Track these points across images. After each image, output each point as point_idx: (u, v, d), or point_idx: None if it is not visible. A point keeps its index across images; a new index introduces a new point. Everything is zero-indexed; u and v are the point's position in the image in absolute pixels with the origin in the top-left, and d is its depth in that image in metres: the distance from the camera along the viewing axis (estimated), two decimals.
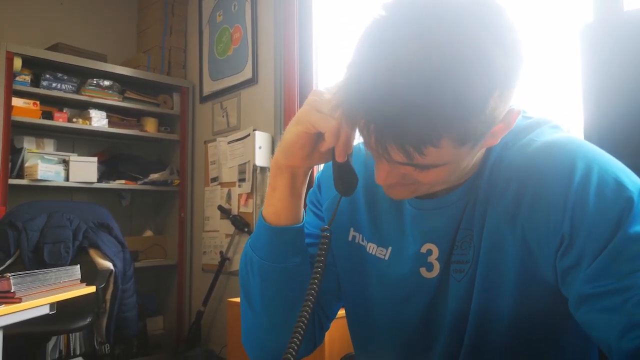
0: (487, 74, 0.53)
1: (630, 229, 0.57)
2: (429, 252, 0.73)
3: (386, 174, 0.63)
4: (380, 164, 0.63)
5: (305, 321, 0.64)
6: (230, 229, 3.12)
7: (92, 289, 2.06)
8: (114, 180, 3.37)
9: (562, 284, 0.62)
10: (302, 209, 0.77)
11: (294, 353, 0.61)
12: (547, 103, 1.91)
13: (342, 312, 0.87)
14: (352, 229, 0.82)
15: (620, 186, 0.59)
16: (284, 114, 2.91)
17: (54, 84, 3.09)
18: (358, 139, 0.70)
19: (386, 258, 0.77)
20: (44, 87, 3.06)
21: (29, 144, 3.08)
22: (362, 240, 0.81)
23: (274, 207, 0.74)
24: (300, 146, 0.69)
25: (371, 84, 0.54)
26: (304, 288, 0.76)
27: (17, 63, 2.92)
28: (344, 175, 0.69)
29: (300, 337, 0.62)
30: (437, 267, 0.72)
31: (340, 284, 0.84)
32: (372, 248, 0.79)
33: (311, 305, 0.65)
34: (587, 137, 1.07)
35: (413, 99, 0.52)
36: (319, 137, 0.68)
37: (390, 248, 0.77)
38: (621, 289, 0.55)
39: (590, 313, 0.58)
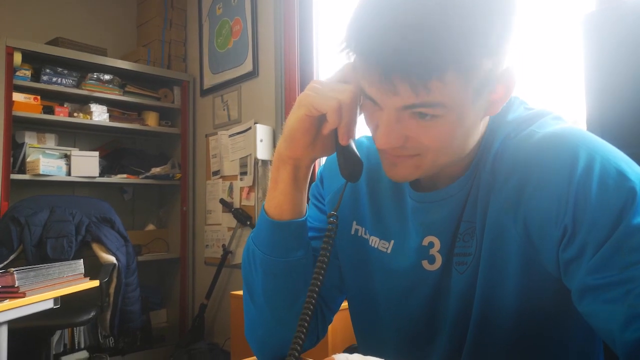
0: (488, 5, 0.56)
1: (633, 220, 0.56)
2: (431, 244, 0.73)
3: (388, 131, 0.62)
4: (384, 118, 0.62)
5: (310, 313, 0.63)
6: (233, 222, 3.13)
7: (95, 283, 2.08)
8: (116, 174, 3.37)
9: (564, 275, 0.62)
10: (305, 203, 0.76)
11: (299, 348, 0.61)
12: (550, 94, 1.90)
13: (345, 304, 0.87)
14: (354, 223, 0.82)
15: (622, 177, 0.59)
16: (285, 107, 2.91)
17: (54, 79, 3.09)
18: (360, 133, 0.70)
19: (388, 251, 0.77)
20: (45, 82, 3.05)
21: (30, 139, 3.08)
22: (365, 234, 0.81)
23: (276, 200, 0.74)
24: (303, 132, 0.69)
25: (376, 15, 0.56)
26: (307, 282, 0.76)
27: (17, 58, 2.92)
28: (349, 160, 0.69)
29: (304, 331, 0.62)
30: (439, 260, 0.72)
31: (343, 277, 0.84)
32: (374, 241, 0.79)
33: (315, 296, 0.65)
34: (590, 128, 1.06)
35: (418, 26, 0.54)
36: (320, 122, 0.68)
37: (392, 241, 0.77)
38: (623, 280, 0.55)
39: (592, 304, 0.58)
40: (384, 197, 0.79)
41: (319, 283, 0.66)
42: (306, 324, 0.62)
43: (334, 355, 0.48)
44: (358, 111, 0.68)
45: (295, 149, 0.71)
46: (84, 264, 2.02)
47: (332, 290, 0.84)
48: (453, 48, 0.54)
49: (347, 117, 0.66)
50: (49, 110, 3.08)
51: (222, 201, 3.19)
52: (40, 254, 2.67)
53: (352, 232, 0.82)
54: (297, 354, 0.60)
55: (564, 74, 1.85)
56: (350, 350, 1.98)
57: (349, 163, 0.69)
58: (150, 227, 3.68)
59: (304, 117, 0.68)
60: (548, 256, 0.63)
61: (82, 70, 3.22)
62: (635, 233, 0.56)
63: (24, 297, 1.65)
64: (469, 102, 0.60)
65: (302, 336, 0.62)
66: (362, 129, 0.72)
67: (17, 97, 2.92)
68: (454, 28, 0.54)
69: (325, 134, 0.69)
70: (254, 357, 0.84)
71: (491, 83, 0.60)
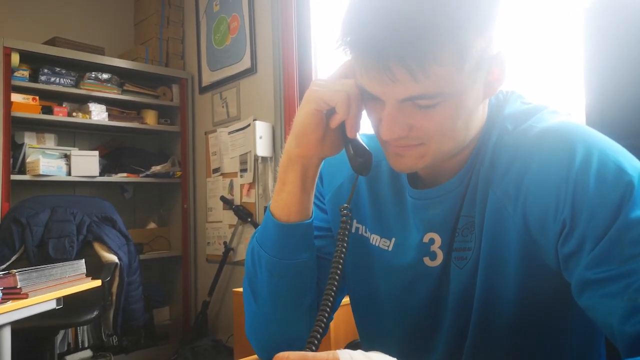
0: None
1: (631, 213, 0.56)
2: (432, 241, 0.73)
3: (392, 122, 0.62)
4: (387, 111, 0.62)
5: (330, 304, 0.62)
6: (234, 219, 3.13)
7: (97, 282, 2.08)
8: (116, 173, 3.37)
9: (564, 269, 0.62)
10: (312, 204, 0.76)
11: (316, 342, 0.60)
12: (550, 85, 1.90)
13: (346, 300, 0.88)
14: (355, 221, 0.82)
15: (620, 170, 0.59)
16: (283, 103, 2.90)
17: (52, 79, 3.08)
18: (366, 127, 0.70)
19: (390, 249, 0.78)
20: (43, 82, 3.05)
21: (29, 140, 3.08)
22: (366, 232, 0.81)
23: (283, 201, 0.74)
24: (312, 128, 0.69)
25: (368, 7, 0.58)
26: (313, 282, 0.76)
27: (15, 58, 2.91)
28: (358, 153, 0.69)
29: (324, 322, 0.62)
30: (440, 256, 0.72)
31: (345, 276, 0.84)
32: (375, 240, 0.80)
33: (335, 286, 0.64)
34: (590, 119, 1.06)
35: (409, 11, 0.56)
36: (328, 118, 0.69)
37: (393, 239, 0.78)
38: (623, 274, 0.55)
39: (592, 298, 0.58)
40: (384, 195, 0.79)
41: (338, 273, 0.65)
42: (325, 316, 0.62)
43: (337, 351, 0.48)
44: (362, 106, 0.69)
45: (305, 146, 0.71)
46: (85, 263, 2.03)
47: None
48: (445, 28, 0.56)
49: (354, 109, 0.67)
50: (47, 110, 3.08)
51: (222, 198, 3.19)
52: (42, 254, 2.68)
53: (353, 231, 0.82)
54: (315, 342, 0.60)
55: (564, 65, 1.84)
56: (352, 346, 1.98)
57: (359, 156, 0.69)
58: (152, 225, 3.69)
59: (313, 111, 0.68)
60: (547, 250, 0.63)
61: (80, 69, 3.22)
62: (633, 226, 0.56)
63: (26, 298, 1.65)
64: (468, 85, 0.61)
65: (321, 328, 0.61)
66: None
67: (16, 97, 2.92)
68: (443, 9, 0.56)
69: (334, 127, 0.69)
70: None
71: (486, 64, 0.62)
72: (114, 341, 3.15)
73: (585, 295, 0.59)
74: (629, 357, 0.52)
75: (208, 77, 3.42)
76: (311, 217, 0.76)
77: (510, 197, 0.65)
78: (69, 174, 3.09)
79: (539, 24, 1.91)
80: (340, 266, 0.65)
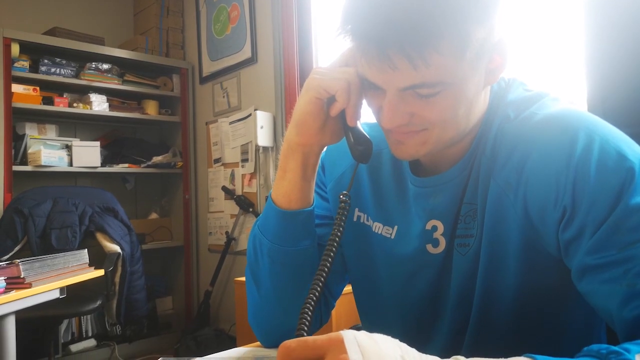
0: None
1: (631, 200, 0.57)
2: (434, 228, 0.73)
3: (393, 111, 0.62)
4: (387, 99, 0.63)
5: (319, 288, 0.62)
6: (235, 209, 3.14)
7: (100, 272, 2.09)
8: (118, 164, 3.37)
9: (564, 255, 0.62)
10: (313, 192, 0.77)
11: (305, 328, 0.61)
12: (551, 71, 1.89)
13: (348, 287, 0.88)
14: (357, 209, 0.82)
15: (621, 157, 0.59)
16: (284, 93, 2.90)
17: (52, 69, 3.08)
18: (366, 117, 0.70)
19: (392, 237, 0.78)
20: (43, 73, 3.04)
21: (30, 130, 3.08)
22: (367, 220, 0.81)
23: (284, 189, 0.74)
24: (313, 116, 0.69)
25: None
26: (314, 270, 0.77)
27: (15, 49, 2.91)
28: (358, 141, 0.69)
29: (311, 309, 0.62)
30: (443, 243, 0.73)
31: (347, 264, 0.85)
32: (377, 227, 0.80)
33: (326, 270, 0.64)
34: (591, 106, 1.06)
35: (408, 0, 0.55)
36: (328, 106, 0.69)
37: (396, 227, 0.78)
38: (622, 259, 0.56)
39: (592, 284, 0.58)
40: (386, 183, 0.80)
41: (330, 259, 0.65)
42: (314, 299, 0.62)
43: (341, 332, 0.48)
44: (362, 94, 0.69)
45: (305, 134, 0.71)
46: (88, 253, 2.04)
47: (335, 277, 0.85)
48: (445, 17, 0.56)
49: (354, 97, 0.67)
50: (48, 101, 3.08)
51: (224, 188, 3.20)
52: (45, 244, 2.69)
53: (355, 219, 0.82)
54: (305, 328, 0.60)
55: (565, 53, 1.84)
56: (355, 329, 1.99)
57: (359, 144, 0.69)
58: (154, 215, 3.70)
59: (313, 99, 0.68)
60: (548, 237, 0.63)
61: (80, 60, 3.21)
62: (633, 213, 0.56)
63: (30, 287, 1.66)
64: (468, 74, 0.61)
65: (309, 312, 0.61)
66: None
67: (16, 88, 2.92)
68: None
69: (334, 115, 0.69)
70: (259, 343, 0.85)
71: (487, 53, 0.62)
72: (118, 330, 3.18)
73: (584, 280, 0.59)
74: (627, 342, 0.52)
75: (208, 67, 3.41)
76: (312, 205, 0.76)
77: (512, 185, 0.65)
78: (71, 164, 3.10)
79: (541, 11, 1.90)
80: (333, 249, 0.65)
